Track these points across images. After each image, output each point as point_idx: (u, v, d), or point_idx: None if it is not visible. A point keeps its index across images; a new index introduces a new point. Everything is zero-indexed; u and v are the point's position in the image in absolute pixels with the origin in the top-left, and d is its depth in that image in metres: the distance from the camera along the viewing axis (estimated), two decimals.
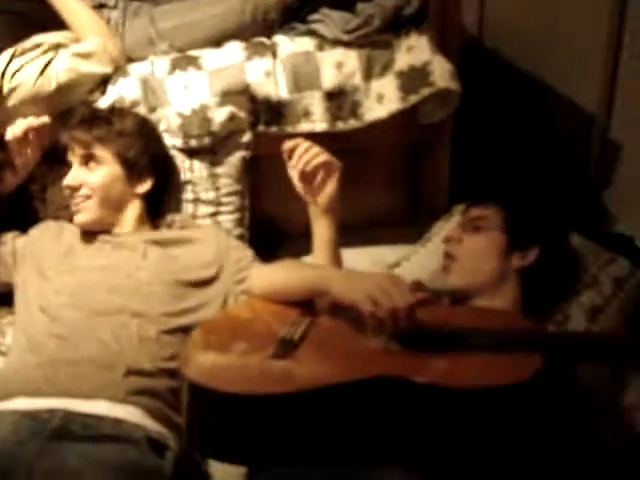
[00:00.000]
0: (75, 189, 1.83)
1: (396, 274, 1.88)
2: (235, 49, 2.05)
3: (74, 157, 1.85)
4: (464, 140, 2.21)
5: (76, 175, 1.83)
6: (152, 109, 2.01)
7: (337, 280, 1.52)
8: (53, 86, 1.91)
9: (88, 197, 1.83)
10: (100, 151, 1.84)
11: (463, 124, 2.16)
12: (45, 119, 1.87)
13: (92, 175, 1.83)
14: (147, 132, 1.95)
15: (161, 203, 1.98)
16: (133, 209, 1.89)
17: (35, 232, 1.92)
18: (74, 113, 1.92)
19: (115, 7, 2.15)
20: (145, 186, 1.89)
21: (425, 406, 1.30)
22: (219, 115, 1.98)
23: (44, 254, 1.83)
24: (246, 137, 2.02)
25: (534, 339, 1.42)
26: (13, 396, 1.50)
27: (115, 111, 1.94)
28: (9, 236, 1.92)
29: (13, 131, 1.85)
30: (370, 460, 1.32)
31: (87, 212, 1.83)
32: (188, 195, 2.02)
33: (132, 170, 1.86)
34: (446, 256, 1.74)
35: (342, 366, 1.38)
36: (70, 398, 1.48)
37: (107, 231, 1.85)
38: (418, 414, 1.30)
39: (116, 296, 1.69)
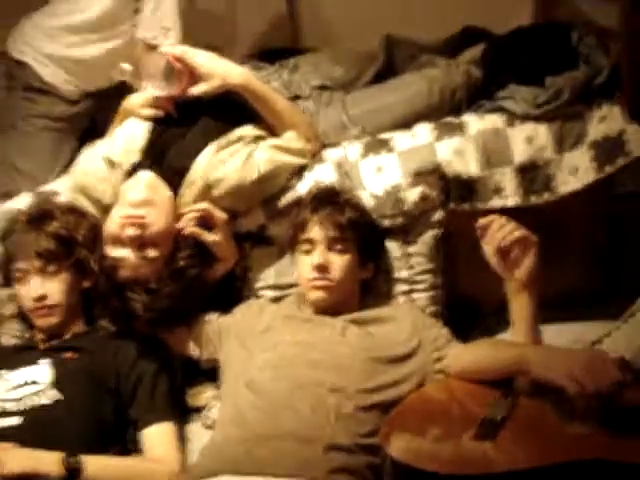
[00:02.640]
0: (323, 270, 1.87)
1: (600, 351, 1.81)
2: (424, 130, 2.09)
3: (322, 238, 1.90)
4: None
5: (325, 258, 1.87)
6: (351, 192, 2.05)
7: (537, 358, 1.49)
8: (255, 176, 2.00)
9: (332, 280, 1.87)
10: (350, 234, 1.90)
11: None
12: (205, 205, 1.98)
13: (339, 258, 1.88)
14: (373, 217, 2.02)
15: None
16: (355, 294, 1.95)
17: (238, 311, 2.02)
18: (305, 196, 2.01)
19: (309, 97, 2.26)
20: (369, 272, 1.97)
21: None
22: (411, 195, 2.01)
23: (247, 332, 1.91)
24: (438, 215, 2.04)
25: None
26: (217, 474, 1.54)
27: (349, 194, 2.00)
28: (214, 316, 2.02)
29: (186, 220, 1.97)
30: None
31: (327, 293, 1.88)
32: (383, 275, 2.04)
33: (363, 255, 1.93)
34: None
35: (545, 449, 1.34)
36: (272, 477, 1.51)
37: (332, 312, 1.89)
38: None
39: (316, 370, 1.72)
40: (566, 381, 1.37)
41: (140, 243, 1.89)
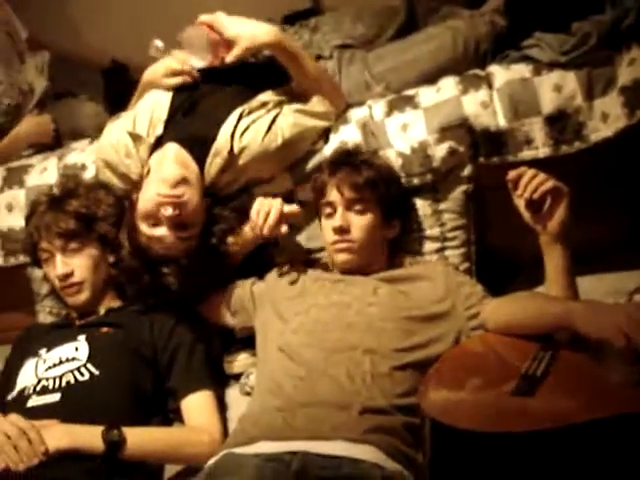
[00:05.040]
0: (343, 231, 1.87)
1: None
2: (449, 84, 2.05)
3: (340, 200, 1.89)
4: None
5: (345, 219, 1.88)
6: (373, 152, 2.03)
7: (582, 314, 1.46)
8: (279, 142, 1.99)
9: (353, 240, 1.87)
10: (369, 194, 1.89)
11: None
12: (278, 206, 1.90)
13: (359, 218, 1.88)
14: (396, 175, 2.00)
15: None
16: (383, 253, 1.94)
17: (271, 277, 2.01)
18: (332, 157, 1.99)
19: (331, 57, 2.24)
20: (394, 231, 1.96)
21: None
22: (439, 151, 1.98)
23: (280, 297, 1.91)
24: (467, 170, 2.01)
25: None
26: (255, 441, 1.55)
27: (367, 154, 1.98)
28: (248, 282, 2.02)
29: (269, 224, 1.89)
30: None
31: (350, 254, 1.88)
32: (414, 233, 2.03)
33: (386, 214, 1.92)
34: None
35: (586, 403, 1.32)
36: (309, 440, 1.51)
37: (360, 272, 1.89)
38: None
39: (349, 333, 1.72)
40: (613, 334, 1.34)
41: (176, 222, 1.88)
